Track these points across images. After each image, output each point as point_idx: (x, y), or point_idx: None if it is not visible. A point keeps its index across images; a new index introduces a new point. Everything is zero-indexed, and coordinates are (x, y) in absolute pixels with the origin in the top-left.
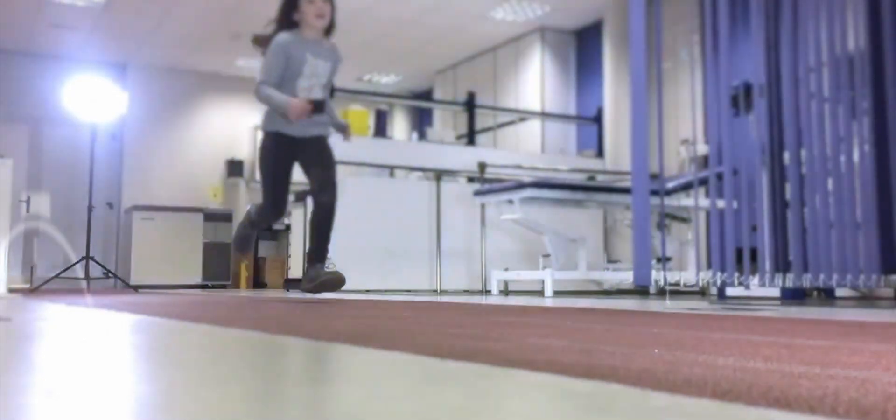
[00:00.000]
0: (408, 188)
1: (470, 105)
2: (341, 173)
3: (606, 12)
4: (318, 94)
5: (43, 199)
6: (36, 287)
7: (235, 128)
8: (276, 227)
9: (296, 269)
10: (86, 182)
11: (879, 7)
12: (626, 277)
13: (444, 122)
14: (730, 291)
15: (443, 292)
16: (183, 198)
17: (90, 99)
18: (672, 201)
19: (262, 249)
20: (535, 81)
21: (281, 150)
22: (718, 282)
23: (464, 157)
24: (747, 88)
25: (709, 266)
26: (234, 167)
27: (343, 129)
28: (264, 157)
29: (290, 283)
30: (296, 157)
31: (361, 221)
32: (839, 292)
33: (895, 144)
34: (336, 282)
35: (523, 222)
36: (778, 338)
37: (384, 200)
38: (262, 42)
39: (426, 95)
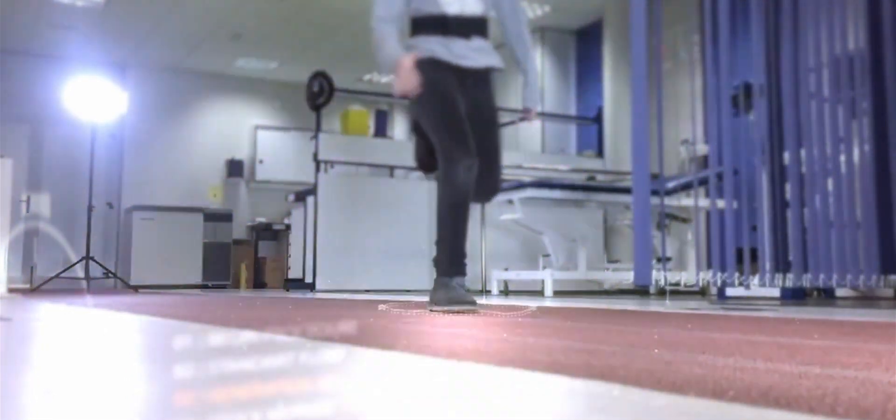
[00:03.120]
0: (408, 188)
1: None
2: (342, 173)
3: (606, 12)
4: (473, 7)
5: (43, 199)
6: (36, 287)
7: (235, 128)
8: (276, 226)
9: (296, 270)
10: (86, 182)
11: (879, 7)
12: (626, 277)
13: None
14: (730, 291)
15: None
16: (183, 198)
17: (90, 99)
18: (672, 201)
19: (262, 249)
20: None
21: (443, 72)
22: (718, 282)
23: None
24: (747, 88)
25: (709, 266)
26: (234, 167)
27: (530, 101)
28: (425, 91)
29: (291, 284)
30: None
31: (361, 221)
32: (839, 292)
33: (895, 144)
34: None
35: (523, 222)
36: (778, 338)
37: (384, 200)
38: None
39: None
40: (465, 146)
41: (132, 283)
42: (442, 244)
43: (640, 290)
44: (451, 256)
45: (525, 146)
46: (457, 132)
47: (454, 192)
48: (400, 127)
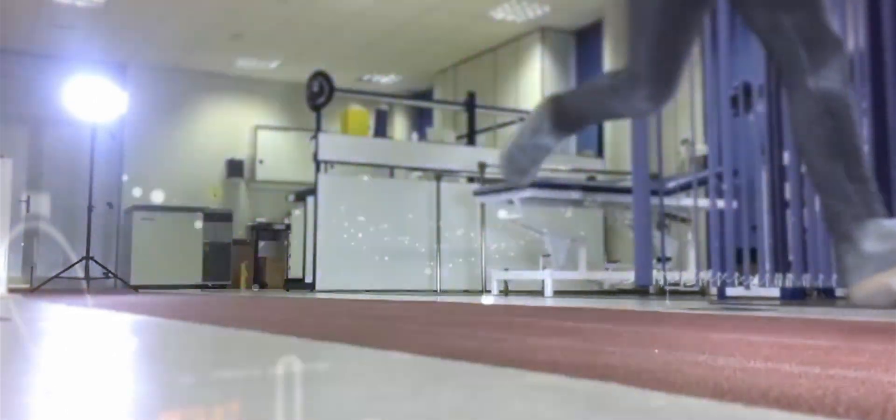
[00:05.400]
0: (408, 188)
1: (470, 105)
2: (342, 173)
3: (606, 12)
4: None
5: (43, 199)
6: (36, 287)
7: (235, 128)
8: (277, 226)
9: (296, 270)
10: (86, 182)
11: (879, 7)
12: (626, 277)
13: (444, 122)
14: (730, 291)
15: (443, 292)
16: (183, 198)
17: (90, 99)
18: (672, 201)
19: (262, 249)
20: (535, 81)
21: None
22: (718, 282)
23: (464, 157)
24: (747, 88)
25: (709, 266)
26: (234, 167)
27: None
28: None
29: (291, 284)
30: None
31: (361, 221)
32: (839, 292)
33: (895, 144)
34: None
35: (523, 222)
36: (778, 338)
37: (384, 200)
38: None
39: (426, 95)
40: (665, 76)
41: (132, 283)
42: (574, 107)
43: (640, 290)
44: (575, 118)
45: None
46: (661, 55)
47: (620, 107)
48: (400, 127)
